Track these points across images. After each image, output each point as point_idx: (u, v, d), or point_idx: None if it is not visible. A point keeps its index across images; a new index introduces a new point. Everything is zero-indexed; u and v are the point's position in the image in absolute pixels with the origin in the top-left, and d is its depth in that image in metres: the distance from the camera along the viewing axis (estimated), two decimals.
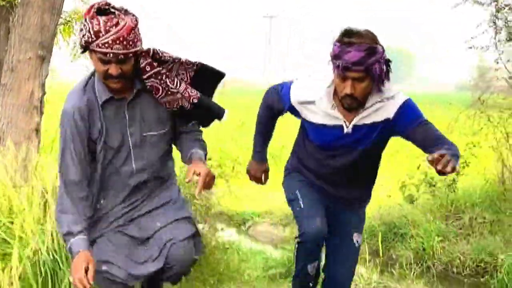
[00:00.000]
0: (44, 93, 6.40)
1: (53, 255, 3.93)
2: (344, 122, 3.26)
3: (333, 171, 3.46)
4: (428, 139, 3.12)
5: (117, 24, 2.78)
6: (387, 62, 3.11)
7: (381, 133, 3.28)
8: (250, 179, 3.91)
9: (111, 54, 2.80)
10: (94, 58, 2.88)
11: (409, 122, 3.17)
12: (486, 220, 7.09)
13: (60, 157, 3.07)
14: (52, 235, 3.94)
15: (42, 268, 3.87)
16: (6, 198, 4.33)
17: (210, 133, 11.33)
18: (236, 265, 5.56)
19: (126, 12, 2.86)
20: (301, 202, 3.47)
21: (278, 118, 3.77)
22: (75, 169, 3.02)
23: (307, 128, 3.46)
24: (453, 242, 6.80)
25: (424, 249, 6.67)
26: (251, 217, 8.52)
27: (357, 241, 3.62)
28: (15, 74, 6.02)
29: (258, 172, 3.84)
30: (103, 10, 2.83)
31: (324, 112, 3.28)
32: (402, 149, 15.12)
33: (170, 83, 3.04)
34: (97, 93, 3.02)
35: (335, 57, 3.05)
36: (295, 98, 3.41)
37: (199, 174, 3.00)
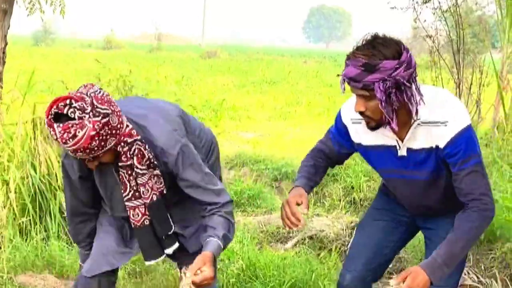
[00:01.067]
0: (6, 44, 6.88)
1: (41, 179, 4.67)
2: (397, 142, 2.79)
3: (404, 196, 3.02)
4: (461, 191, 2.71)
5: (74, 136, 2.42)
6: (404, 82, 2.56)
7: (437, 163, 2.75)
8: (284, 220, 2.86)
9: (76, 156, 2.56)
10: None
11: (456, 161, 2.67)
12: None
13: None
14: (40, 163, 4.66)
15: (32, 188, 4.62)
16: None
17: (151, 87, 11.97)
18: None
19: (92, 111, 2.47)
20: (353, 238, 3.29)
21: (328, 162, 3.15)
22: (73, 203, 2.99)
23: (363, 154, 2.99)
24: (377, 181, 7.73)
25: (352, 187, 7.58)
26: None
27: None
28: None
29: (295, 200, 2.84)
30: (62, 115, 2.46)
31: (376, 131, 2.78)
32: (334, 106, 16.17)
33: (141, 186, 2.77)
34: None
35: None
36: (346, 116, 2.92)
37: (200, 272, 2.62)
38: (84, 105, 2.44)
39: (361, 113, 2.65)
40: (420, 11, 7.71)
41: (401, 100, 2.57)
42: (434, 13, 7.77)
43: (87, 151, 2.47)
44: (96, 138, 2.45)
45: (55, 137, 2.44)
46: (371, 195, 7.51)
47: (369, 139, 2.84)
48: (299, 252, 5.32)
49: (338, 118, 2.97)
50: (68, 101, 2.44)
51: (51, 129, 2.44)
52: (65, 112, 2.43)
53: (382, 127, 2.70)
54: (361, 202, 7.45)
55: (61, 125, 2.42)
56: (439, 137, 2.65)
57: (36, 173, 4.78)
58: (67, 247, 4.71)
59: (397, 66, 2.51)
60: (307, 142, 10.96)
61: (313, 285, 4.36)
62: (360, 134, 2.88)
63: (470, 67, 7.99)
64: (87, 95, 2.48)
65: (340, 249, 5.58)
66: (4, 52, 6.89)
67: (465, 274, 4.98)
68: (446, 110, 2.64)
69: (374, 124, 2.69)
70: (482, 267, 5.21)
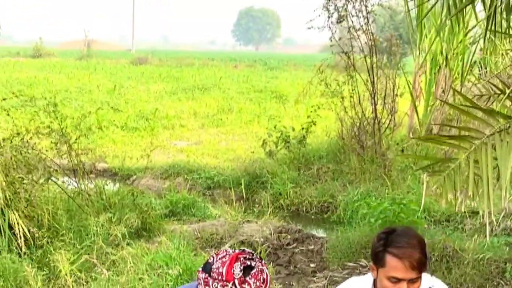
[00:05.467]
0: None
1: None
2: None
3: None
4: None
5: (264, 280, 2.59)
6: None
7: None
8: None
9: None
10: None
11: None
12: (329, 170, 8.77)
13: None
14: None
15: None
16: None
17: (84, 98, 12.30)
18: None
19: (256, 258, 2.65)
20: None
21: None
22: None
23: None
24: (303, 187, 8.39)
25: (280, 194, 8.20)
26: (134, 172, 9.69)
27: None
28: None
29: None
30: (247, 267, 2.61)
31: None
32: (264, 112, 16.79)
33: None
34: None
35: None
36: None
37: None
38: (249, 255, 2.63)
39: None
40: (335, 30, 8.40)
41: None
42: (348, 32, 8.44)
43: None
44: (269, 280, 2.61)
45: None
46: (297, 200, 8.15)
47: None
48: None
49: None
50: (243, 257, 2.60)
51: (245, 285, 2.55)
52: (248, 264, 2.59)
53: None
54: (288, 208, 8.09)
55: (252, 277, 2.55)
56: None
57: None
58: (18, 259, 5.15)
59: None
60: (239, 150, 11.58)
61: None
62: None
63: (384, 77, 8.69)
64: (230, 251, 2.67)
65: (267, 250, 6.18)
66: None
67: None
68: (426, 278, 2.83)
69: None
70: None
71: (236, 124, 15.39)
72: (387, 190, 7.58)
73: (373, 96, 8.49)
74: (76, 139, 6.36)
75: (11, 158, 5.73)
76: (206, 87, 24.37)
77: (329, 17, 8.33)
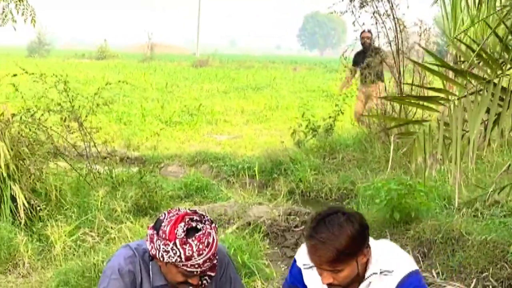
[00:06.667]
0: None
1: None
2: None
3: None
4: None
5: (208, 244, 2.57)
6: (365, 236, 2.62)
7: None
8: None
9: (199, 272, 2.62)
10: (173, 270, 2.64)
11: None
12: (354, 158, 8.64)
13: None
14: None
15: None
16: None
17: (135, 94, 12.44)
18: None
19: (206, 220, 2.66)
20: None
21: None
22: None
23: None
24: (325, 175, 8.29)
25: (300, 180, 8.12)
26: (162, 160, 9.77)
27: None
28: None
29: None
30: (191, 229, 2.60)
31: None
32: (311, 109, 16.67)
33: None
34: (151, 274, 2.75)
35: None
36: (300, 259, 2.86)
37: None
38: (199, 216, 2.64)
39: (329, 284, 2.62)
40: (359, 15, 8.27)
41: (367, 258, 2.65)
42: (372, 17, 8.30)
43: (212, 258, 2.61)
44: (216, 244, 2.63)
45: (189, 253, 2.53)
46: (317, 187, 8.06)
47: (317, 285, 2.77)
48: (243, 236, 5.77)
49: (293, 263, 2.93)
50: (189, 217, 2.60)
51: (187, 246, 2.53)
52: (193, 225, 2.59)
53: None
54: (308, 194, 8.00)
55: (195, 239, 2.54)
56: (387, 286, 2.63)
57: None
58: (15, 230, 5.26)
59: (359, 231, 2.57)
60: (275, 142, 11.51)
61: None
62: (311, 279, 2.83)
63: None
64: (181, 211, 2.66)
65: (274, 232, 6.12)
66: None
67: None
68: (390, 259, 2.66)
69: None
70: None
71: (281, 120, 15.29)
72: (409, 178, 7.40)
73: (398, 83, 8.32)
74: (86, 116, 6.44)
75: (19, 133, 5.86)
76: (259, 87, 24.29)
77: (351, 1, 8.21)
